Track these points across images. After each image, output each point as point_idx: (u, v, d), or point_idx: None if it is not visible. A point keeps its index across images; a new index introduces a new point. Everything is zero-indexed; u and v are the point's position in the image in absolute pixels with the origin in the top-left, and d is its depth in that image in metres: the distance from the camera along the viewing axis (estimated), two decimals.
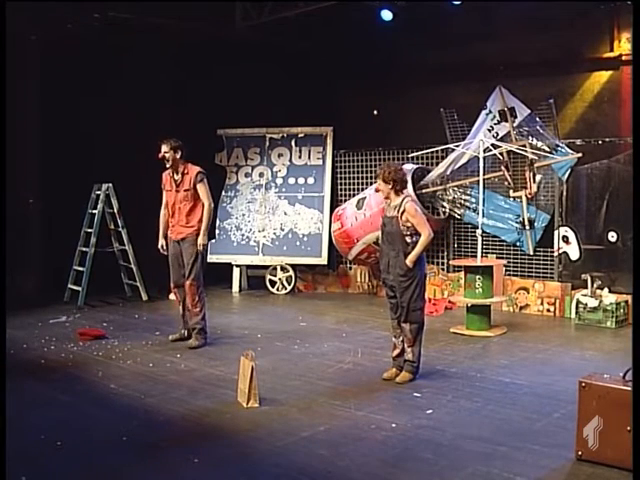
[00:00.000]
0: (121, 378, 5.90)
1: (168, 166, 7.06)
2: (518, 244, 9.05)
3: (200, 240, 6.97)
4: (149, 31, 9.67)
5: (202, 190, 7.01)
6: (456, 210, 9.40)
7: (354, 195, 10.06)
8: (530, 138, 8.77)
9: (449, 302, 9.08)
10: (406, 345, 5.74)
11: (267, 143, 10.73)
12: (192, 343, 7.01)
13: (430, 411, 5.01)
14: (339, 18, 10.01)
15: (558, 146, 8.63)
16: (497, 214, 9.13)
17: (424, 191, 9.35)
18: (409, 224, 5.54)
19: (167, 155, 6.97)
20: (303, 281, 10.64)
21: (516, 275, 9.00)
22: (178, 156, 6.99)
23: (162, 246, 7.22)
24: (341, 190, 10.54)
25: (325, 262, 10.27)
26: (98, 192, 9.56)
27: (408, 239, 5.55)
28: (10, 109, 8.00)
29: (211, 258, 9.79)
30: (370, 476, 3.99)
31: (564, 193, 8.61)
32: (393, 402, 5.25)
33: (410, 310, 5.62)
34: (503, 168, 8.94)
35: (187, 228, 7.01)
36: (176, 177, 7.05)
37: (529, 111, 8.83)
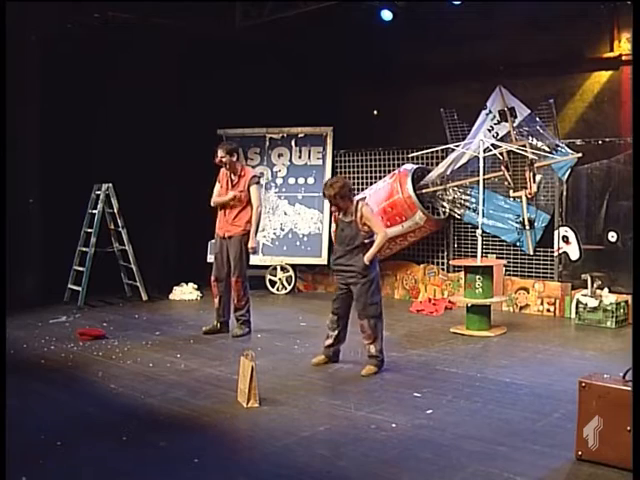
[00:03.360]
0: (121, 378, 5.89)
1: (226, 169, 7.38)
2: (518, 244, 9.05)
3: (250, 243, 7.33)
4: (149, 31, 9.66)
5: (254, 192, 7.39)
6: (456, 210, 9.40)
7: (354, 195, 10.03)
8: (530, 138, 8.77)
9: (449, 302, 9.07)
10: (367, 342, 6.03)
11: (267, 143, 10.72)
12: (237, 332, 7.44)
13: (430, 411, 5.01)
14: (339, 18, 10.00)
15: (558, 146, 8.62)
16: (497, 214, 9.13)
17: (424, 191, 9.35)
18: (367, 227, 5.98)
19: (224, 160, 7.31)
20: (303, 281, 10.64)
21: (516, 275, 9.00)
22: (234, 159, 7.37)
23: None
24: None
25: (325, 262, 10.25)
26: (98, 192, 9.56)
27: (366, 240, 5.99)
28: (10, 109, 8.00)
29: (210, 258, 9.75)
30: (370, 476, 3.99)
31: (564, 193, 8.61)
32: (393, 402, 5.25)
33: (367, 304, 5.96)
34: (503, 168, 8.94)
35: (235, 227, 7.36)
36: (233, 177, 7.39)
37: (529, 111, 8.82)
